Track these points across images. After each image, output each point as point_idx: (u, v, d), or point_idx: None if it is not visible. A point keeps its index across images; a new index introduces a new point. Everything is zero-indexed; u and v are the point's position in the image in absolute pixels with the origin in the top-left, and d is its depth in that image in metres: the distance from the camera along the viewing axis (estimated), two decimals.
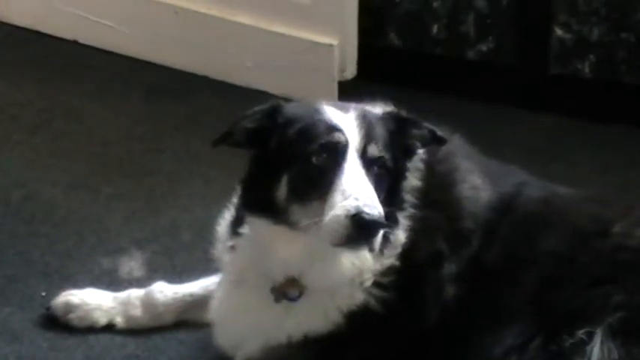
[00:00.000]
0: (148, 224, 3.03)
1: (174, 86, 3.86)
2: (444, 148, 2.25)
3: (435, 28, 3.77)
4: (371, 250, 2.06)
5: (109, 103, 3.74)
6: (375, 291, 2.19)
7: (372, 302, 2.19)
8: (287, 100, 2.29)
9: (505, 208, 2.27)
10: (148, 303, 2.58)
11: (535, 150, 3.43)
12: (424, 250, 2.19)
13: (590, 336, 2.07)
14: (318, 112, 2.13)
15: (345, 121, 2.11)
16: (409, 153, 2.21)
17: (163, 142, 3.50)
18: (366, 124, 2.12)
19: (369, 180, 2.04)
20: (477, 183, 2.28)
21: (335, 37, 3.67)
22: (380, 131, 2.13)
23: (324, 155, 2.06)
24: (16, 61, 4.00)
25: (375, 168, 2.09)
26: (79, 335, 2.55)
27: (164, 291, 2.58)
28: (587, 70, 3.62)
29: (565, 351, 2.08)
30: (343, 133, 2.08)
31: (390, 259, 2.18)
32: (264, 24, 3.75)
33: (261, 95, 3.68)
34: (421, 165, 2.24)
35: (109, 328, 2.57)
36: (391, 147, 2.14)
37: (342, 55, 3.70)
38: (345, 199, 1.98)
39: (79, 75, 3.93)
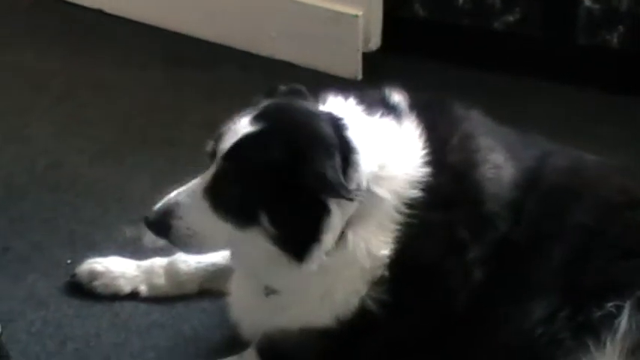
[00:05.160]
0: None
1: (198, 56, 3.85)
2: (463, 129, 2.21)
3: None
4: (184, 251, 2.32)
5: (133, 73, 3.73)
6: (375, 294, 2.14)
7: (372, 306, 2.14)
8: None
9: (530, 183, 2.22)
10: (172, 272, 2.59)
11: (561, 122, 3.38)
12: (428, 254, 2.13)
13: (619, 309, 2.05)
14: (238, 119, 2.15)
15: (239, 129, 2.12)
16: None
17: (187, 112, 3.49)
18: (258, 135, 2.09)
19: (222, 186, 2.13)
20: (500, 161, 2.23)
21: (360, 8, 3.64)
22: (259, 147, 2.08)
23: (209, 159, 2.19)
24: (41, 31, 4.00)
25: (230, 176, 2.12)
26: (104, 302, 2.57)
27: (187, 260, 2.59)
28: (615, 41, 3.58)
29: (593, 323, 2.05)
30: (216, 143, 2.17)
31: (379, 270, 2.12)
32: None
33: (284, 66, 3.67)
34: (418, 172, 2.14)
35: (133, 295, 2.59)
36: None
37: (367, 26, 3.67)
38: None
39: (104, 44, 3.92)
